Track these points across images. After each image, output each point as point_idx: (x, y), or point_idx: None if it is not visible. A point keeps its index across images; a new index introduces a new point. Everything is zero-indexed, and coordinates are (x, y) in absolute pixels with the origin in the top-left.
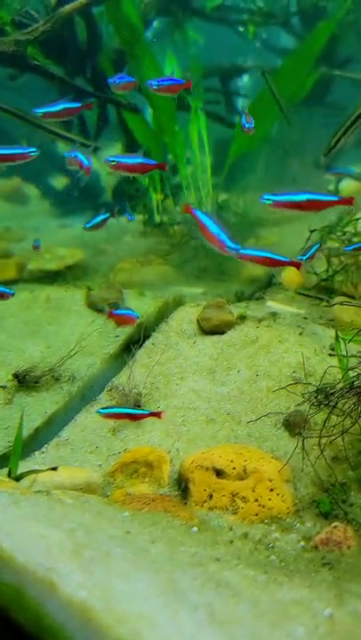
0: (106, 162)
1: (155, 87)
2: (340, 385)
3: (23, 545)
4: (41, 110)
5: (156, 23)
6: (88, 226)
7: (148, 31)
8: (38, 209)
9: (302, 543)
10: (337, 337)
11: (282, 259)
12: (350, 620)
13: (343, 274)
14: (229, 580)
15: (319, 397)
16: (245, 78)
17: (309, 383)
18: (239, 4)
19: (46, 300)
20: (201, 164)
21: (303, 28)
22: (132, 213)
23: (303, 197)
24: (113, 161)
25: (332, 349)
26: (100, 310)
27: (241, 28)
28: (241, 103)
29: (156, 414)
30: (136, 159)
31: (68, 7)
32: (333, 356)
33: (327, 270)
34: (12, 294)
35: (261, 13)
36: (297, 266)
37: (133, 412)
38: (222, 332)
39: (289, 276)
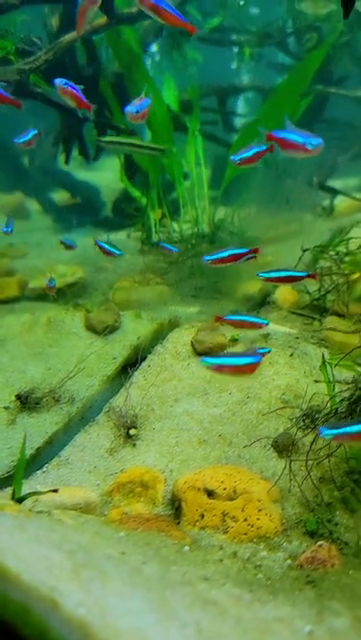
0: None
1: None
2: (328, 408)
3: (28, 565)
4: (19, 140)
5: (155, 45)
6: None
7: (147, 53)
8: (40, 224)
9: (289, 561)
10: (323, 362)
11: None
12: (328, 637)
13: (335, 293)
14: (217, 599)
15: (306, 421)
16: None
17: (297, 407)
18: (236, 26)
19: (47, 323)
20: (198, 185)
21: (299, 47)
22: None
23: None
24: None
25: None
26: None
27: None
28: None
29: None
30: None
31: (68, 37)
32: (319, 382)
33: (319, 290)
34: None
35: (258, 34)
36: (255, 252)
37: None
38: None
39: (282, 294)
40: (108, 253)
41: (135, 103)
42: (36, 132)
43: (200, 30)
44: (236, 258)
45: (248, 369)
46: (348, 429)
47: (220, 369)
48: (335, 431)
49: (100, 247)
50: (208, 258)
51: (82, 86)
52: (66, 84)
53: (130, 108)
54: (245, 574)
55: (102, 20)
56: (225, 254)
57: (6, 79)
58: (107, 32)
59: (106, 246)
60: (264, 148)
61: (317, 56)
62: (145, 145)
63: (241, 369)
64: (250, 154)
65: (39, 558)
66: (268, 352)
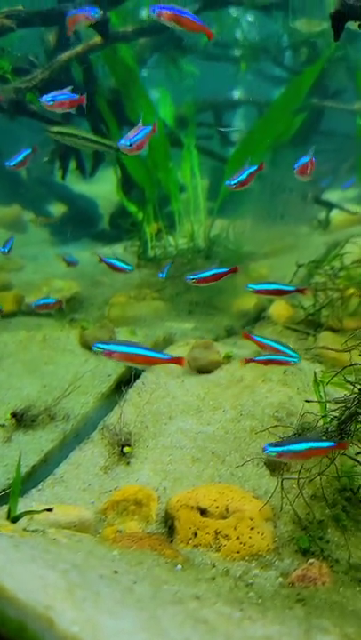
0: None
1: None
2: (319, 427)
3: (24, 585)
4: (11, 163)
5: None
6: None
7: (144, 69)
8: (37, 237)
9: (280, 579)
10: (315, 381)
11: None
12: None
13: (329, 308)
14: (207, 618)
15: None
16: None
17: (289, 425)
18: (232, 41)
19: (43, 340)
20: (194, 200)
21: (295, 62)
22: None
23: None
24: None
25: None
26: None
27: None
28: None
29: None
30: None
31: (65, 55)
32: (310, 401)
33: (314, 305)
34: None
35: (253, 49)
36: (235, 271)
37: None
38: (209, 372)
39: (277, 310)
40: (117, 269)
41: (129, 135)
42: (29, 151)
43: (195, 45)
44: (218, 277)
45: (139, 359)
46: (292, 447)
47: (110, 355)
48: (279, 448)
49: (108, 264)
50: (191, 277)
51: (70, 87)
52: (51, 100)
53: (123, 142)
54: (237, 592)
55: (98, 39)
56: (207, 274)
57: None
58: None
59: (115, 262)
60: (256, 167)
61: (312, 72)
62: (96, 139)
63: (130, 357)
64: (245, 176)
65: (35, 578)
66: (297, 361)
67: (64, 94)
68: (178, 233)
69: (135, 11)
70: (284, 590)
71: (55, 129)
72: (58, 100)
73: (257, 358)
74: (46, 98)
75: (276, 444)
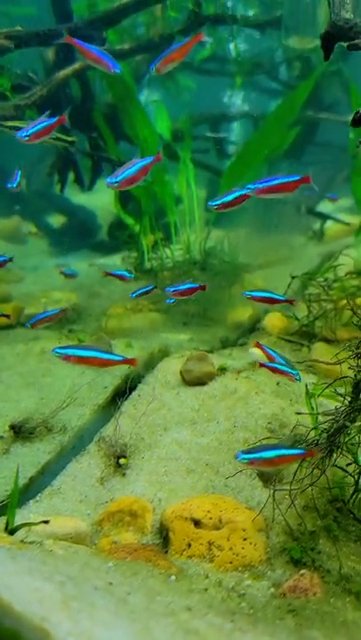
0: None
1: None
2: (310, 439)
3: (20, 596)
4: (14, 184)
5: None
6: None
7: (141, 84)
8: (37, 249)
9: (272, 590)
10: (307, 392)
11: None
12: None
13: (323, 319)
14: (198, 629)
15: None
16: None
17: (282, 436)
18: (227, 56)
19: (40, 352)
20: (189, 213)
21: (289, 76)
22: None
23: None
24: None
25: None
26: None
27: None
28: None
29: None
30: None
31: (62, 73)
32: (301, 414)
33: (308, 316)
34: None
35: (248, 64)
36: (203, 288)
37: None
38: (204, 384)
39: (271, 321)
40: (120, 278)
41: (117, 172)
42: (19, 172)
43: (192, 60)
44: (192, 291)
45: (94, 361)
46: (263, 454)
47: (67, 358)
48: (251, 455)
49: (112, 274)
50: (169, 289)
51: (47, 113)
52: (26, 135)
53: (109, 180)
54: (229, 603)
55: None
56: (184, 287)
57: (3, 115)
58: None
59: (117, 272)
60: (245, 192)
61: (306, 86)
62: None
63: (86, 360)
64: (230, 198)
65: (31, 589)
66: (297, 376)
67: (39, 124)
68: (174, 244)
69: (132, 28)
70: (275, 601)
71: (9, 124)
72: (33, 132)
73: (267, 364)
74: (21, 134)
75: (248, 452)
